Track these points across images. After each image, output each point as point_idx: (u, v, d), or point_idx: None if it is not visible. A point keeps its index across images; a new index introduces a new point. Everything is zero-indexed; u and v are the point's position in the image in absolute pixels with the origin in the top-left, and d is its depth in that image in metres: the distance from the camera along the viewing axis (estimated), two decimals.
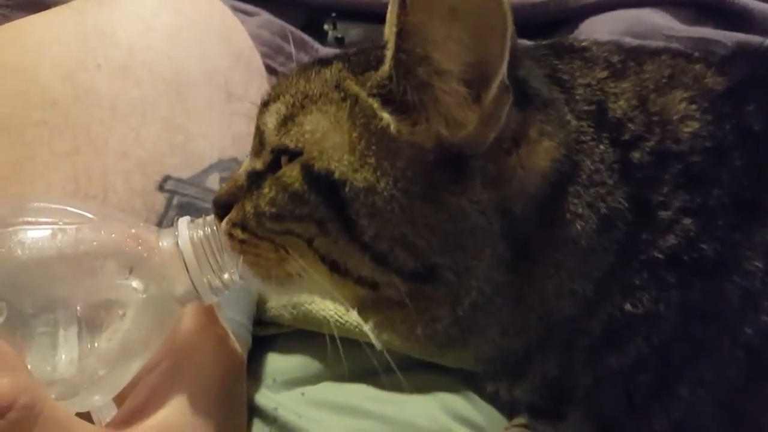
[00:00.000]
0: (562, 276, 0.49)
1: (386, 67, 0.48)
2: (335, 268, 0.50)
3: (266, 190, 0.50)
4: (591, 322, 0.50)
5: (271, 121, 0.51)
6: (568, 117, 0.50)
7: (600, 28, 0.87)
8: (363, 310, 0.52)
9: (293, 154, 0.49)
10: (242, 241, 0.51)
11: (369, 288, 0.50)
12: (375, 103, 0.48)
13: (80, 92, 0.66)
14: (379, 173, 0.47)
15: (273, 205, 0.50)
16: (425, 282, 0.49)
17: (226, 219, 0.52)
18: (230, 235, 0.52)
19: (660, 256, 0.49)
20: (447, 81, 0.46)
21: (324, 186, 0.48)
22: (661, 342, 0.50)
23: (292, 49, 0.82)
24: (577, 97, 0.51)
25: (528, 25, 0.80)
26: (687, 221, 0.49)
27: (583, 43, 0.56)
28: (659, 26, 0.86)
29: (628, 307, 0.50)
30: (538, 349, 0.53)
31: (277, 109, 0.51)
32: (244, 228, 0.51)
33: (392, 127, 0.48)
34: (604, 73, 0.53)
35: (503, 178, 0.48)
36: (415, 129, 0.47)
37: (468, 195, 0.47)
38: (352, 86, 0.50)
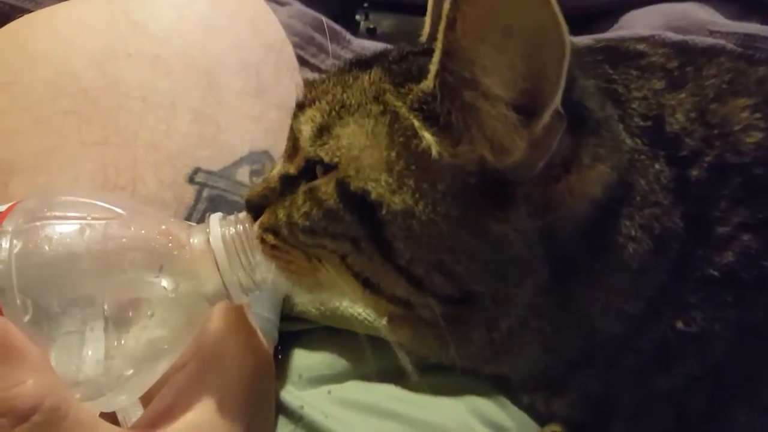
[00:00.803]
0: (610, 298, 0.47)
1: (429, 83, 0.45)
2: (368, 285, 0.48)
3: (300, 201, 0.48)
4: (639, 340, 0.48)
5: (306, 129, 0.49)
6: (623, 136, 0.48)
7: (641, 22, 0.85)
8: (393, 323, 0.51)
9: (328, 168, 0.48)
10: (274, 247, 0.50)
11: (403, 307, 0.49)
12: (416, 121, 0.46)
13: (110, 81, 0.65)
14: (417, 196, 0.45)
15: (307, 219, 0.48)
16: (461, 306, 0.48)
17: (258, 223, 0.51)
18: (262, 240, 0.50)
19: (716, 273, 0.47)
20: (495, 106, 0.43)
21: (359, 205, 0.46)
22: (716, 363, 0.48)
23: (327, 42, 0.81)
24: (633, 113, 0.49)
25: (567, 17, 0.78)
26: (746, 237, 0.47)
27: (639, 47, 0.54)
28: (703, 21, 0.83)
29: (680, 325, 0.47)
30: (579, 366, 0.51)
31: (312, 116, 0.49)
32: (276, 234, 0.50)
33: (433, 149, 0.45)
34: (661, 84, 0.50)
35: (550, 205, 0.46)
36: (458, 150, 0.45)
37: (512, 223, 0.45)
38: (392, 100, 0.47)
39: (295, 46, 0.80)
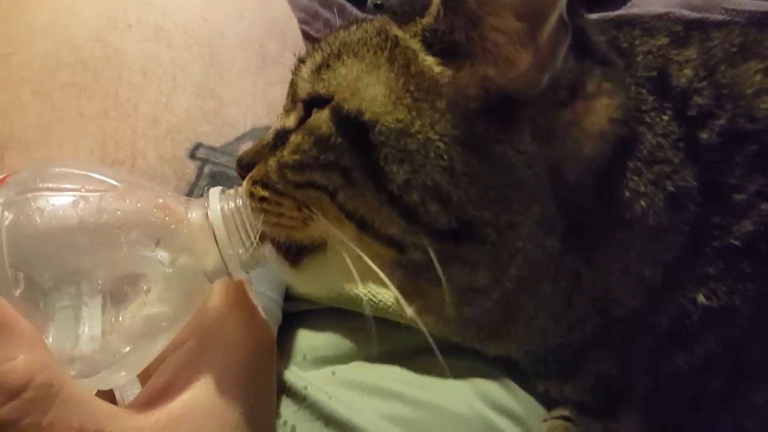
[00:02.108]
0: (630, 257, 0.46)
1: (433, 6, 0.45)
2: (362, 224, 0.47)
3: (292, 140, 0.47)
4: (658, 316, 0.47)
5: (305, 71, 0.49)
6: (628, 81, 0.47)
7: (655, 0, 0.84)
8: (404, 294, 0.49)
9: (324, 102, 0.47)
10: (263, 199, 0.48)
11: (396, 250, 0.47)
12: (417, 45, 0.46)
13: (110, 53, 0.64)
14: (414, 113, 0.44)
15: (296, 152, 0.47)
16: (460, 241, 0.46)
17: (247, 177, 0.50)
18: (251, 194, 0.49)
19: (736, 243, 0.46)
20: (499, 14, 0.43)
21: (353, 128, 0.45)
22: (736, 341, 0.46)
23: (334, 17, 0.79)
24: (637, 64, 0.48)
25: None
26: (765, 206, 0.46)
27: (644, 18, 0.53)
28: None
29: (701, 299, 0.46)
30: (594, 346, 0.50)
31: (313, 59, 0.49)
32: (265, 185, 0.48)
33: (435, 70, 0.45)
34: (666, 40, 0.50)
35: (555, 133, 0.45)
36: (460, 73, 0.45)
37: (515, 144, 0.44)
38: (394, 29, 0.47)
39: (301, 21, 0.79)
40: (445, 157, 0.44)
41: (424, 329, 0.46)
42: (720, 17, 0.76)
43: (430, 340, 0.45)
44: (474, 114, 0.44)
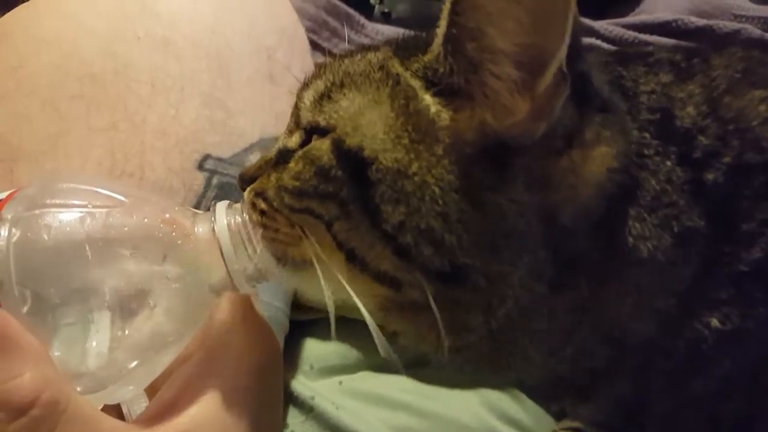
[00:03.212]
0: (641, 292, 0.46)
1: (434, 46, 0.45)
2: (352, 257, 0.47)
3: (293, 164, 0.48)
4: (673, 342, 0.47)
5: (308, 98, 0.49)
6: (630, 126, 0.46)
7: (664, 5, 0.83)
8: (387, 316, 0.49)
9: (325, 132, 0.47)
10: (262, 213, 0.49)
11: (390, 287, 0.47)
12: (417, 84, 0.46)
13: (118, 65, 0.64)
14: (412, 156, 0.44)
15: (297, 179, 0.47)
16: (453, 285, 0.46)
17: (248, 188, 0.50)
18: (252, 205, 0.49)
19: (745, 269, 0.45)
20: (499, 61, 0.43)
21: (353, 163, 0.45)
22: (753, 364, 0.46)
23: (341, 26, 0.79)
24: (641, 106, 0.48)
25: (588, 1, 0.76)
26: None
27: (647, 49, 0.53)
28: (729, 5, 0.81)
29: (715, 323, 0.46)
30: (607, 374, 0.49)
31: (316, 86, 0.49)
32: (265, 199, 0.49)
33: (432, 110, 0.45)
34: (669, 77, 0.49)
35: (551, 181, 0.45)
36: (458, 116, 0.44)
37: (508, 194, 0.44)
38: (396, 66, 0.47)
39: (308, 30, 0.78)
40: (440, 202, 0.44)
41: (397, 362, 0.46)
42: (729, 24, 0.75)
43: (399, 365, 0.47)
44: (470, 160, 0.44)
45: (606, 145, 0.45)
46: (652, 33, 0.74)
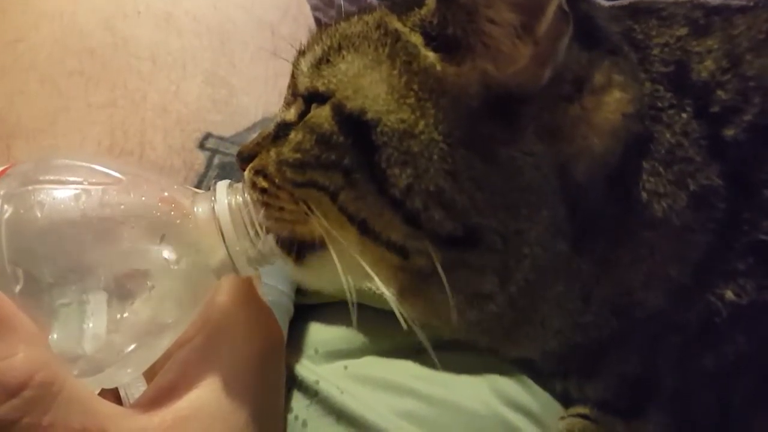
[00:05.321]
0: (655, 258, 0.45)
1: None
2: (363, 228, 0.45)
3: (292, 135, 0.46)
4: (686, 314, 0.46)
5: (305, 64, 0.48)
6: (642, 77, 0.45)
7: None
8: (404, 296, 0.47)
9: (324, 99, 0.45)
10: (264, 191, 0.47)
11: (398, 255, 0.45)
12: (417, 40, 0.44)
13: (119, 41, 0.63)
14: (418, 114, 0.43)
15: (297, 150, 0.45)
16: (465, 248, 0.44)
17: (248, 167, 0.49)
18: (253, 184, 0.48)
19: (765, 238, 0.44)
20: (494, 6, 0.41)
21: (355, 127, 0.44)
22: (766, 340, 0.45)
23: (349, 4, 0.77)
24: (653, 58, 0.46)
25: None
26: None
27: (660, 5, 0.51)
28: None
29: (729, 295, 0.45)
30: (615, 346, 0.48)
31: (313, 52, 0.48)
32: (265, 176, 0.47)
33: (435, 66, 0.43)
34: (684, 30, 0.48)
35: (562, 130, 0.43)
36: (461, 69, 0.43)
37: (520, 146, 0.43)
38: (393, 22, 0.46)
39: (314, 8, 0.78)
40: (449, 160, 0.43)
41: (420, 334, 0.44)
42: (744, 2, 0.74)
43: (426, 342, 0.44)
44: (477, 114, 0.43)
45: (619, 89, 0.44)
46: None
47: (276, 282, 0.62)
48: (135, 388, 0.48)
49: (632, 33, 0.48)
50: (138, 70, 0.62)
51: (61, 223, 0.42)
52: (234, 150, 0.62)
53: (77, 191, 0.43)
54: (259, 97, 0.66)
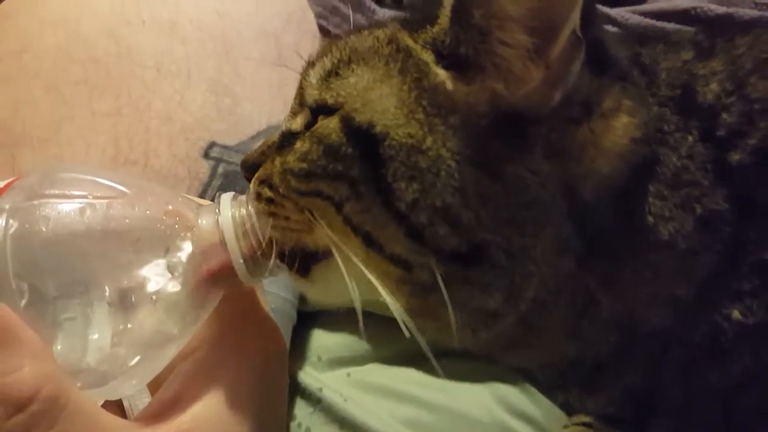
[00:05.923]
0: (660, 279, 0.45)
1: (442, 17, 0.44)
2: (367, 240, 0.45)
3: (298, 145, 0.46)
4: (690, 333, 0.46)
5: (314, 76, 0.48)
6: (650, 101, 0.45)
7: None
8: (413, 314, 0.47)
9: (332, 111, 0.45)
10: (269, 201, 0.47)
11: (401, 268, 0.45)
12: (429, 57, 0.44)
13: (123, 49, 0.63)
14: (426, 129, 0.43)
15: (304, 160, 0.45)
16: (469, 264, 0.44)
17: (254, 177, 0.49)
18: (258, 195, 0.48)
19: None
20: (508, 27, 0.41)
21: (363, 140, 0.44)
22: None
23: (352, 13, 0.78)
24: (660, 82, 0.47)
25: None
26: None
27: (669, 31, 0.51)
28: None
29: (736, 315, 0.45)
30: (618, 362, 0.48)
31: (322, 64, 0.48)
32: (271, 186, 0.47)
33: (445, 84, 0.43)
34: (690, 54, 0.48)
35: (570, 151, 0.43)
36: (470, 88, 0.43)
37: (528, 164, 0.43)
38: (405, 39, 0.46)
39: (318, 16, 0.77)
40: (456, 176, 0.43)
41: (422, 342, 0.44)
42: (750, 12, 0.74)
43: (427, 350, 0.44)
44: (485, 132, 0.43)
45: (628, 114, 0.44)
46: (670, 20, 0.73)
47: (278, 289, 0.62)
48: (139, 399, 0.48)
49: (640, 58, 0.48)
50: (142, 78, 0.63)
51: (66, 237, 0.42)
52: (238, 159, 0.63)
53: (82, 205, 0.43)
54: (263, 106, 0.66)
